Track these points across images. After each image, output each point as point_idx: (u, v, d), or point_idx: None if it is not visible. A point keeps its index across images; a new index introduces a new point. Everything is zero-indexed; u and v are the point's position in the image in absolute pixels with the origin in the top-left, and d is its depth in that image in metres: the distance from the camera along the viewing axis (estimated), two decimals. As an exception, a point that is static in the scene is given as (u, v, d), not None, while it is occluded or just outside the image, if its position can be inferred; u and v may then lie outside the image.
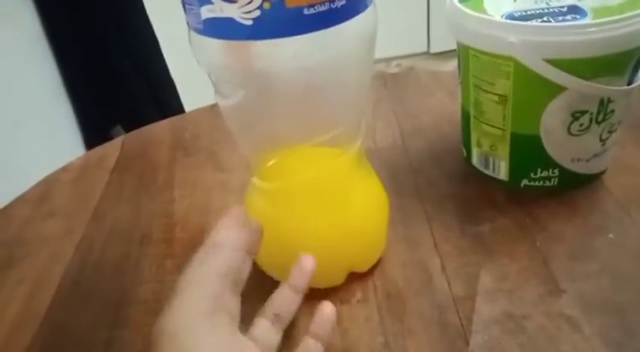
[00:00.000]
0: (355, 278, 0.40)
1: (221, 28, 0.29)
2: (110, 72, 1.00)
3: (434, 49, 2.09)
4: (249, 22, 0.28)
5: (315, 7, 0.28)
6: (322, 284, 0.39)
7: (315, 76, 0.31)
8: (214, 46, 0.30)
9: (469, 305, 0.36)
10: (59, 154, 0.73)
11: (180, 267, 0.41)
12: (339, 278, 0.39)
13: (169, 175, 0.54)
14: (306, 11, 0.28)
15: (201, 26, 0.29)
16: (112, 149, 0.59)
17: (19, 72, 0.95)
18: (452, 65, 1.96)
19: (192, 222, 0.47)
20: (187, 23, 0.31)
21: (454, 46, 0.44)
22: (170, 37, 0.96)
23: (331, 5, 0.28)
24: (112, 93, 1.01)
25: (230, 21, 0.28)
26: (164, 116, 0.66)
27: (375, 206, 0.40)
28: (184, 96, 1.11)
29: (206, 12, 0.29)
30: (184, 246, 0.45)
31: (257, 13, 0.28)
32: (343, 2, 0.29)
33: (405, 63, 2.09)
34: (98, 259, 0.45)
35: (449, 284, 0.38)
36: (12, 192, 0.54)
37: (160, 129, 0.63)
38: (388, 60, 2.10)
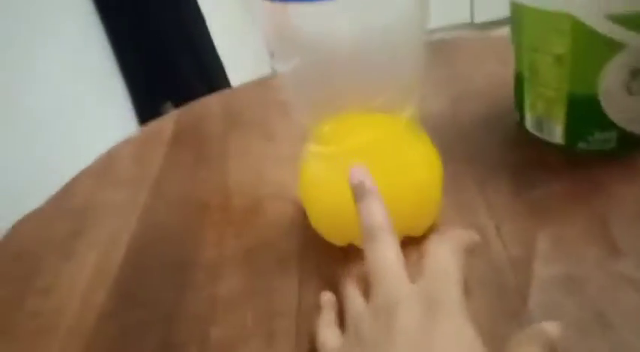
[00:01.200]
0: (411, 241, 0.40)
1: None
2: (159, 49, 1.03)
3: (478, 19, 2.03)
4: None
5: None
6: None
7: (370, 39, 0.32)
8: (268, 9, 0.30)
9: (526, 267, 0.36)
10: (114, 130, 0.76)
11: (238, 234, 0.44)
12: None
13: (223, 147, 0.56)
14: None
15: None
16: (167, 123, 0.61)
17: (75, 50, 0.99)
18: (495, 37, 1.91)
19: (246, 190, 0.49)
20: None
21: (498, 16, 0.43)
22: (217, 14, 0.97)
23: None
24: (161, 70, 1.04)
25: None
26: (212, 92, 0.67)
27: (428, 169, 0.40)
28: (231, 73, 1.13)
29: None
30: (241, 213, 0.46)
31: None
32: None
33: (449, 35, 2.05)
34: (161, 226, 0.47)
35: (505, 246, 0.38)
36: (76, 166, 0.57)
37: (211, 102, 0.64)
38: (431, 32, 2.05)
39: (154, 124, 0.62)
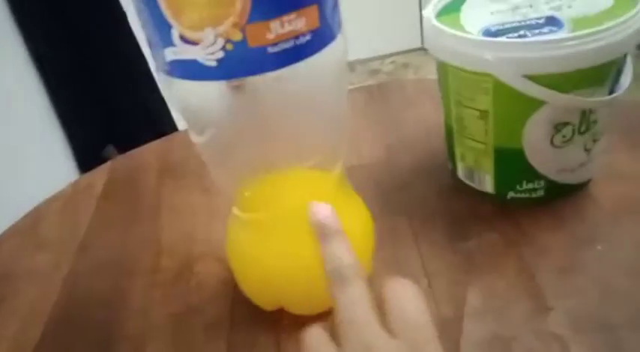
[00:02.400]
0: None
1: (186, 70, 0.28)
2: (101, 92, 1.00)
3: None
4: (214, 63, 0.28)
5: (279, 45, 0.27)
6: (312, 311, 0.39)
7: (286, 108, 0.31)
8: (182, 86, 0.30)
9: (457, 327, 0.36)
10: (53, 177, 0.73)
11: (165, 299, 0.42)
12: (327, 303, 0.39)
13: (156, 201, 0.54)
14: (270, 49, 0.27)
15: (167, 67, 0.29)
16: (99, 175, 0.59)
17: (9, 97, 0.95)
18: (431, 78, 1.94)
19: (178, 249, 0.47)
20: (155, 64, 0.31)
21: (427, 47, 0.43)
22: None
23: (296, 42, 0.28)
24: (103, 113, 1.02)
25: (194, 62, 0.28)
26: (157, 134, 0.66)
27: (358, 228, 0.39)
28: (177, 115, 1.11)
29: (170, 54, 0.28)
30: (170, 275, 0.45)
31: (221, 54, 0.27)
32: (308, 37, 0.28)
33: (400, 59, 2.09)
34: (86, 293, 0.45)
35: (437, 305, 0.38)
36: (9, 219, 0.54)
37: (148, 152, 0.62)
38: (382, 57, 2.09)
39: (85, 177, 0.60)
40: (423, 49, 2.09)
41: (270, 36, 0.27)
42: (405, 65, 2.06)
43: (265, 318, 0.39)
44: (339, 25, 0.31)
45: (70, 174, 1.05)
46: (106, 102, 1.01)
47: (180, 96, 0.31)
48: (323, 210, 0.29)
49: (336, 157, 0.36)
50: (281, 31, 0.27)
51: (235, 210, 0.38)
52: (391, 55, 2.10)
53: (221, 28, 0.27)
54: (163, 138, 0.65)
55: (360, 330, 0.26)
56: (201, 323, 0.40)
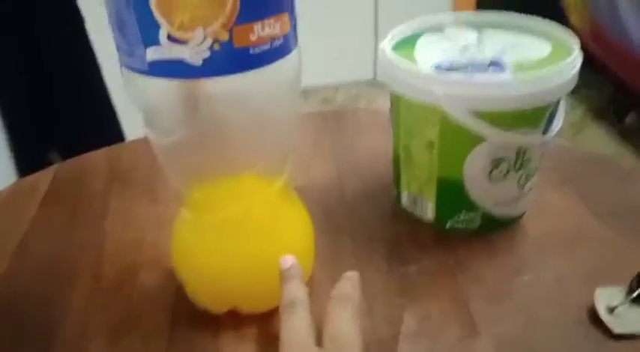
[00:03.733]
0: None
1: (169, 69, 0.30)
2: (47, 95, 0.97)
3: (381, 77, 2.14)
4: (199, 63, 0.29)
5: (260, 47, 0.30)
6: (261, 307, 0.40)
7: (250, 111, 0.33)
8: (158, 85, 0.31)
9: (393, 347, 0.38)
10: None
11: (105, 307, 0.41)
12: (275, 300, 0.40)
13: (103, 207, 0.53)
14: (252, 50, 0.30)
15: (145, 67, 0.30)
16: (44, 177, 0.58)
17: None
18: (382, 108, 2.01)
19: (121, 256, 0.47)
20: (124, 64, 0.32)
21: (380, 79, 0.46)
22: (112, 65, 0.95)
23: (272, 44, 0.31)
24: (49, 118, 0.98)
25: (179, 62, 0.29)
26: (104, 143, 0.65)
27: (300, 233, 0.41)
28: (125, 123, 1.09)
29: (152, 53, 0.30)
30: (112, 282, 0.44)
31: (207, 53, 0.29)
32: (281, 41, 0.32)
33: (352, 90, 2.13)
34: (20, 299, 0.43)
35: (374, 327, 0.39)
36: None
37: (97, 158, 0.61)
38: (335, 87, 2.13)
39: (28, 179, 0.58)
40: (375, 80, 2.15)
41: (253, 37, 0.30)
42: (358, 96, 2.11)
43: (205, 330, 0.39)
44: (297, 38, 0.34)
45: (10, 178, 1.01)
46: (53, 107, 0.98)
47: (153, 96, 0.32)
48: (287, 260, 0.37)
49: (283, 166, 0.38)
50: (262, 33, 0.30)
51: (185, 212, 0.38)
52: (344, 85, 2.14)
53: (210, 29, 0.29)
54: (113, 146, 0.64)
55: (295, 346, 0.31)
56: (139, 333, 0.39)
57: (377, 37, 2.08)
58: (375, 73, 2.15)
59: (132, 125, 1.07)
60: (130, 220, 0.51)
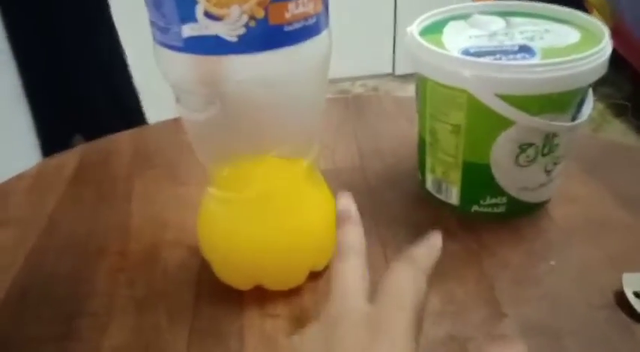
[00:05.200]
0: (309, 295, 0.40)
1: (205, 45, 0.30)
2: (72, 78, 0.99)
3: (398, 71, 2.13)
4: (235, 39, 0.30)
5: (293, 24, 0.31)
6: (285, 286, 0.41)
7: (280, 91, 0.33)
8: (192, 62, 0.31)
9: (416, 326, 0.38)
10: (15, 161, 0.71)
11: (131, 283, 0.42)
12: (300, 279, 0.41)
13: (128, 187, 0.54)
14: (286, 28, 0.31)
15: (181, 44, 0.31)
16: (70, 158, 0.59)
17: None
18: (414, 88, 2.02)
19: (147, 235, 0.47)
20: (158, 41, 0.32)
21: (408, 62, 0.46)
22: (136, 49, 0.95)
23: (305, 23, 0.31)
24: (73, 100, 1.00)
25: (215, 38, 0.30)
26: (126, 127, 0.66)
27: (325, 211, 0.41)
28: (148, 107, 1.10)
29: (188, 30, 0.30)
30: (138, 259, 0.45)
31: (242, 30, 0.30)
32: (314, 19, 0.32)
33: (370, 83, 2.13)
34: (50, 270, 0.44)
35: (398, 305, 0.39)
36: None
37: (121, 140, 0.62)
38: (353, 79, 2.13)
39: (55, 159, 0.59)
40: (393, 75, 2.14)
41: (288, 15, 0.30)
42: (375, 88, 2.10)
43: (229, 307, 0.40)
44: (328, 18, 0.34)
45: (34, 159, 1.02)
46: (77, 90, 1.00)
47: (187, 72, 0.32)
48: (345, 200, 0.34)
49: (310, 147, 0.39)
50: (296, 11, 0.30)
51: (212, 190, 0.39)
52: (362, 77, 2.14)
53: (246, 6, 0.29)
54: (137, 129, 0.65)
55: (342, 297, 0.28)
56: (164, 308, 0.40)
57: (396, 31, 2.07)
58: (393, 67, 2.14)
59: (153, 109, 1.08)
60: (154, 201, 0.52)
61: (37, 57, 1.01)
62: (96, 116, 1.01)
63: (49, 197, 0.53)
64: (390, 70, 2.15)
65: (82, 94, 1.01)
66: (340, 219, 0.32)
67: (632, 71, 1.59)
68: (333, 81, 2.08)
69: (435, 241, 0.32)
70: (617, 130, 1.70)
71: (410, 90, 0.47)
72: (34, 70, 1.01)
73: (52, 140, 1.03)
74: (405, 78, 2.09)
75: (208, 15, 0.29)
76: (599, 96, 1.76)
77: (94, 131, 0.69)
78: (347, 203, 0.34)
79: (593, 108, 0.44)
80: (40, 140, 1.04)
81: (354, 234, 0.31)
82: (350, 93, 2.06)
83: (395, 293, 0.28)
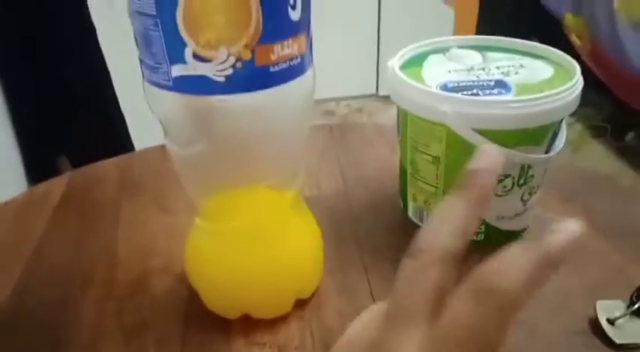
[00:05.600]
0: (295, 322, 0.41)
1: (193, 85, 0.31)
2: (57, 99, 0.99)
3: (382, 92, 2.17)
4: (222, 79, 0.31)
5: (279, 65, 0.32)
6: (272, 314, 0.41)
7: (267, 126, 0.34)
8: (180, 101, 0.32)
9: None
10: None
11: (118, 312, 0.42)
12: (286, 307, 0.42)
13: (115, 215, 0.54)
14: (271, 68, 0.32)
15: (169, 83, 0.32)
16: (56, 185, 0.59)
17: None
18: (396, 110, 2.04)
19: (134, 263, 0.48)
20: (147, 79, 0.33)
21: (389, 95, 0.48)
22: (122, 71, 0.96)
23: (290, 63, 0.33)
24: (58, 122, 1.00)
25: (203, 78, 0.31)
26: (112, 149, 0.66)
27: (310, 240, 0.43)
28: (134, 133, 1.11)
29: (177, 70, 0.31)
30: (125, 288, 0.45)
31: (229, 71, 0.31)
32: (298, 60, 0.33)
33: (354, 104, 2.16)
34: (36, 301, 0.44)
35: (381, 333, 0.40)
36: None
37: (108, 167, 0.63)
38: (338, 100, 2.16)
39: (41, 186, 0.60)
40: (376, 96, 2.17)
41: (274, 57, 0.32)
42: (359, 109, 2.13)
43: (217, 336, 0.40)
44: (312, 57, 0.36)
45: (19, 181, 1.02)
46: (64, 113, 1.00)
47: (167, 109, 0.33)
48: (486, 157, 0.24)
49: (295, 178, 0.40)
50: (281, 53, 0.32)
51: (199, 221, 0.40)
52: (346, 98, 2.17)
53: (234, 48, 0.30)
54: (123, 155, 0.66)
55: (400, 299, 0.23)
56: (153, 337, 0.41)
57: (379, 53, 2.11)
58: (377, 88, 2.17)
59: (140, 133, 1.09)
60: (141, 229, 0.53)
61: (21, 77, 1.01)
62: (81, 138, 1.01)
63: (34, 225, 0.53)
64: (373, 91, 2.18)
65: (67, 116, 1.01)
66: (461, 184, 0.24)
67: (611, 93, 1.64)
68: (319, 101, 2.10)
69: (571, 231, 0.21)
70: (595, 152, 1.74)
71: (393, 110, 0.49)
72: (18, 90, 1.01)
73: (36, 162, 1.03)
74: (389, 98, 2.11)
75: (197, 57, 0.31)
76: (579, 117, 1.80)
77: (79, 153, 0.70)
78: (489, 160, 0.25)
79: (572, 130, 0.45)
80: (25, 162, 1.04)
81: (450, 226, 0.23)
82: (335, 114, 2.08)
83: (500, 293, 0.20)
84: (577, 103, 0.43)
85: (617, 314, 0.39)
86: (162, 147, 0.59)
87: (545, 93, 0.41)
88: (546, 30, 0.46)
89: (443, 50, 0.50)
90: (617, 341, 0.38)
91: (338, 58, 1.96)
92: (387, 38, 2.08)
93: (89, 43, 1.02)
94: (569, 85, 0.42)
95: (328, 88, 2.07)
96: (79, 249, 0.50)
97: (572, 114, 0.45)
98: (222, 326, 0.41)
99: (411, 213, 0.50)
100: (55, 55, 1.00)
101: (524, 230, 0.49)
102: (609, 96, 1.75)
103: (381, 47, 2.10)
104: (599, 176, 0.59)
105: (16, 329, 0.42)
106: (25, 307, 0.44)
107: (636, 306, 0.40)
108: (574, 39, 1.75)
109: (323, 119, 2.01)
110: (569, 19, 1.59)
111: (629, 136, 1.75)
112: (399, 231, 0.51)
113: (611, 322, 0.39)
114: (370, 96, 2.18)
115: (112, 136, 1.06)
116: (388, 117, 2.01)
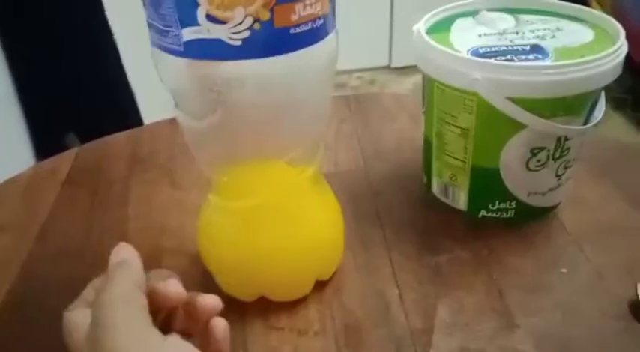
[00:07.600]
0: (314, 305, 0.39)
1: (206, 50, 0.29)
2: (65, 76, 0.96)
3: (395, 64, 2.12)
4: (238, 43, 0.28)
5: (300, 27, 0.29)
6: (290, 296, 0.39)
7: (284, 96, 0.31)
8: (192, 67, 0.29)
9: (426, 338, 0.36)
10: (5, 161, 0.69)
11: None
12: (305, 289, 0.40)
13: (124, 191, 0.52)
14: (292, 30, 0.29)
15: (181, 48, 0.29)
16: (64, 161, 0.57)
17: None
18: (411, 81, 2.01)
19: (145, 241, 0.46)
20: (156, 44, 0.31)
21: (414, 62, 0.44)
22: (130, 45, 0.93)
23: (312, 25, 0.30)
24: (66, 98, 0.97)
25: (217, 42, 0.28)
26: (121, 125, 0.64)
27: (331, 218, 0.40)
28: (143, 106, 1.08)
29: (189, 34, 0.28)
30: (138, 267, 0.43)
31: (246, 33, 0.28)
32: (321, 22, 0.30)
33: (366, 76, 2.11)
34: (45, 279, 0.43)
35: (406, 316, 0.38)
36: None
37: (116, 142, 0.61)
38: (350, 72, 2.11)
39: (49, 161, 0.58)
40: (389, 68, 2.12)
41: (294, 17, 0.29)
42: (372, 81, 2.08)
43: (232, 320, 0.38)
44: (335, 20, 0.33)
45: (27, 157, 1.00)
46: (72, 89, 0.98)
47: (178, 77, 0.30)
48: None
49: (314, 153, 0.37)
50: (303, 13, 0.29)
51: (212, 198, 0.37)
52: (359, 70, 2.12)
53: (251, 8, 0.27)
54: (132, 130, 0.63)
55: None
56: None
57: (392, 24, 2.05)
58: (390, 60, 2.12)
59: (149, 108, 1.06)
60: (152, 205, 0.51)
61: (28, 55, 0.99)
62: (90, 114, 0.99)
63: (43, 202, 0.51)
64: (386, 63, 2.13)
65: (76, 92, 0.99)
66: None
67: (632, 64, 1.58)
68: (330, 74, 2.06)
69: None
70: (616, 124, 1.69)
71: (406, 83, 0.46)
72: (25, 67, 0.99)
73: (45, 139, 1.01)
74: (402, 70, 2.07)
75: (210, 18, 0.28)
76: (598, 89, 1.74)
77: (88, 129, 0.68)
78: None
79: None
80: (33, 139, 1.02)
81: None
82: (347, 86, 2.04)
83: None
84: (620, 70, 0.40)
85: (662, 296, 0.37)
86: (173, 121, 0.57)
87: (587, 58, 0.38)
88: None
89: (472, 13, 0.47)
90: (663, 325, 0.36)
91: (349, 28, 1.91)
92: (400, 7, 2.01)
93: (96, 17, 0.99)
94: (612, 49, 0.39)
95: (340, 60, 2.03)
96: (89, 227, 0.48)
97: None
98: (238, 309, 0.39)
99: (435, 189, 0.48)
100: (61, 31, 0.98)
101: (556, 206, 0.47)
102: (630, 67, 1.69)
103: (394, 17, 2.04)
104: (631, 148, 0.56)
105: (25, 308, 0.40)
106: (33, 286, 0.42)
107: (682, 288, 0.37)
108: (595, 5, 1.68)
109: (336, 91, 1.98)
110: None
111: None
112: (422, 208, 0.49)
113: (654, 305, 0.37)
114: (383, 68, 2.13)
115: (122, 114, 1.03)
116: (402, 89, 1.97)
